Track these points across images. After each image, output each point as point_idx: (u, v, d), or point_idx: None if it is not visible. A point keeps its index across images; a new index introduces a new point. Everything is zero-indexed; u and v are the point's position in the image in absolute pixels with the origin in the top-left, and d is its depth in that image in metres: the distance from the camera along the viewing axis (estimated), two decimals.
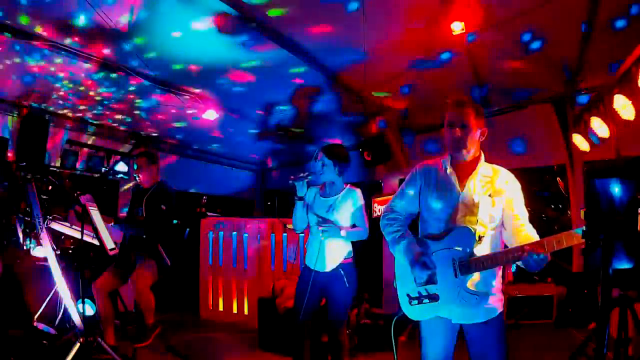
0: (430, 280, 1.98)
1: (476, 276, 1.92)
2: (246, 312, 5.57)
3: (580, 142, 4.38)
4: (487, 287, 1.96)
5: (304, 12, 3.57)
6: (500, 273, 2.05)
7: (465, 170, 2.04)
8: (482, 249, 1.95)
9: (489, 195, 1.95)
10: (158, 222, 3.79)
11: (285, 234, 5.71)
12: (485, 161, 2.09)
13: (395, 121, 5.80)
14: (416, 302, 2.02)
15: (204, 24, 3.61)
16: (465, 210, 1.97)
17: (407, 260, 2.03)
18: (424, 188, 2.11)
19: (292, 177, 2.98)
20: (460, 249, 1.92)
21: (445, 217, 2.01)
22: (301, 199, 3.02)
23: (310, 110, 5.52)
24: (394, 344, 2.27)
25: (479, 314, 1.97)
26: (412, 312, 2.07)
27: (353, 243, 3.08)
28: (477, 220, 1.93)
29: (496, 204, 1.95)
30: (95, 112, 5.24)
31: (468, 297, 1.91)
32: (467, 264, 1.90)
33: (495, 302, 2.00)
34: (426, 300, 2.00)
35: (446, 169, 2.07)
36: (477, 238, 1.90)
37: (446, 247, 1.96)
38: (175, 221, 4.08)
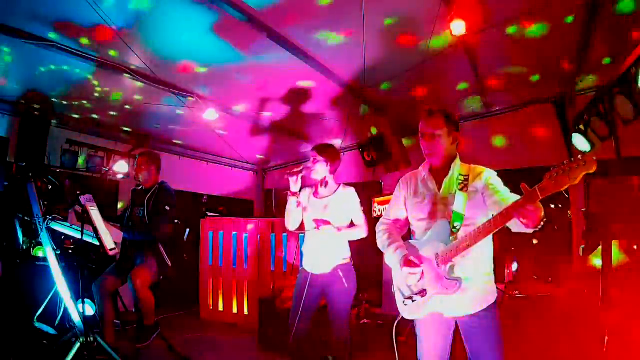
0: (419, 278, 2.10)
1: (455, 262, 2.02)
2: (246, 312, 5.57)
3: (580, 142, 4.37)
4: (467, 272, 2.02)
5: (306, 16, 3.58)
6: (484, 260, 2.11)
7: (441, 173, 2.20)
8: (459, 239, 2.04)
9: (465, 191, 2.08)
10: (162, 223, 3.79)
11: (285, 234, 5.71)
12: (480, 163, 2.22)
13: (395, 121, 5.80)
14: (409, 300, 2.14)
15: (205, 24, 3.61)
16: (443, 207, 2.12)
17: (397, 262, 2.17)
18: (408, 196, 2.30)
19: (287, 172, 3.01)
20: (440, 241, 2.05)
21: (426, 217, 2.17)
22: (294, 194, 3.03)
23: (310, 110, 5.52)
24: (395, 345, 2.30)
25: (467, 304, 2.04)
26: (407, 311, 2.18)
27: (352, 243, 3.08)
28: (454, 214, 2.05)
29: (472, 197, 2.08)
30: (95, 112, 5.24)
31: (449, 284, 2.00)
32: (446, 252, 2.01)
33: (483, 292, 2.07)
34: (416, 297, 2.10)
35: (424, 174, 2.25)
36: (454, 229, 2.02)
37: (428, 242, 2.11)
38: (176, 221, 4.09)
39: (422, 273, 2.10)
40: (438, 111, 2.18)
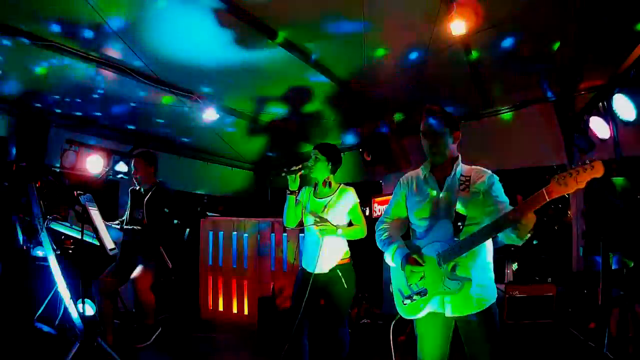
0: (421, 277, 2.10)
1: (457, 263, 2.03)
2: (246, 312, 5.57)
3: (580, 142, 4.37)
4: (469, 272, 2.03)
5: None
6: (485, 261, 2.12)
7: (443, 172, 2.21)
8: (461, 239, 2.04)
9: (467, 191, 2.09)
10: (160, 224, 3.79)
11: (285, 234, 5.71)
12: (480, 163, 2.24)
13: (395, 121, 5.80)
14: (408, 300, 2.14)
15: (206, 24, 3.61)
16: (445, 206, 2.12)
17: (398, 262, 2.16)
18: (408, 195, 2.30)
19: (284, 169, 2.99)
20: (442, 241, 2.05)
21: (428, 216, 2.16)
22: (292, 193, 3.02)
23: (310, 110, 5.52)
24: (392, 346, 2.29)
25: (469, 304, 2.04)
26: (406, 310, 2.17)
27: (352, 243, 3.08)
28: (457, 214, 2.05)
29: (474, 197, 2.08)
30: (95, 111, 5.24)
31: (451, 283, 2.00)
32: (448, 252, 2.01)
33: (484, 292, 2.07)
34: (416, 297, 2.10)
35: (426, 174, 2.25)
36: (457, 229, 2.03)
37: (430, 242, 2.10)
38: (175, 221, 4.09)
39: (423, 273, 2.10)
40: (439, 110, 2.20)
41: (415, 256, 2.09)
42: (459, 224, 2.03)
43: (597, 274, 3.48)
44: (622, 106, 3.41)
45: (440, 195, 2.16)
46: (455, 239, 2.01)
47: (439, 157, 2.19)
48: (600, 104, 3.78)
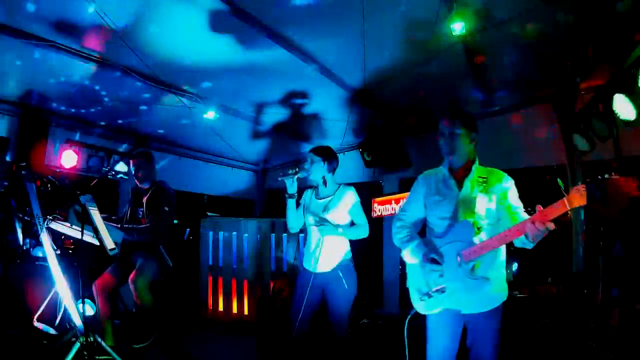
0: (440, 275, 2.15)
1: (477, 262, 2.08)
2: (246, 312, 5.57)
3: (580, 142, 4.37)
4: (488, 272, 2.10)
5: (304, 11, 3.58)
6: (501, 261, 2.20)
7: (461, 173, 2.26)
8: (481, 240, 2.11)
9: (485, 193, 2.15)
10: (161, 223, 3.79)
11: (285, 234, 5.71)
12: (481, 163, 2.30)
13: (395, 121, 5.79)
14: (426, 296, 2.19)
15: (206, 23, 3.61)
16: (465, 207, 2.16)
17: (417, 260, 2.22)
18: (427, 194, 2.33)
19: (281, 173, 3.01)
20: (462, 241, 2.09)
21: (447, 216, 2.20)
22: (292, 196, 3.03)
23: (310, 110, 5.52)
24: (406, 342, 2.31)
25: (483, 302, 2.12)
26: (422, 306, 2.23)
27: (353, 243, 3.09)
28: (476, 215, 2.12)
29: (492, 199, 2.15)
30: (95, 111, 5.24)
31: (471, 282, 2.05)
32: (469, 252, 2.06)
33: (499, 291, 2.16)
34: (434, 293, 2.15)
35: (444, 174, 2.30)
36: (476, 229, 2.09)
37: (450, 241, 2.14)
38: (175, 221, 4.09)
39: (443, 271, 2.14)
40: (457, 111, 2.27)
41: (433, 255, 2.14)
42: (480, 224, 2.10)
43: (597, 274, 3.48)
44: (622, 106, 3.40)
45: (460, 195, 2.20)
46: (476, 239, 2.06)
47: (456, 158, 2.24)
48: (600, 104, 3.78)
